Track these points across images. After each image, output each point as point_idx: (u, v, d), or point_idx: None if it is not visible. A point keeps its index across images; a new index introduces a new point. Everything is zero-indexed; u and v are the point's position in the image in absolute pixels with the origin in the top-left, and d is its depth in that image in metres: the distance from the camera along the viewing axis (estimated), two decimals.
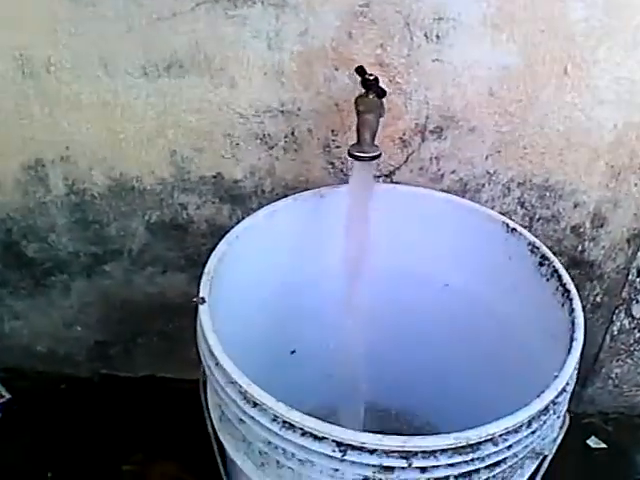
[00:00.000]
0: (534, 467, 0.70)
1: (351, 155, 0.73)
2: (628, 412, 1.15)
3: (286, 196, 0.82)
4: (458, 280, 0.89)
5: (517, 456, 0.62)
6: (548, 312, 0.76)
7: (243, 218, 0.79)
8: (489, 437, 0.58)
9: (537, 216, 0.94)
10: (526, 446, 0.62)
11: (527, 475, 0.70)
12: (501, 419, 0.58)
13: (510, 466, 0.64)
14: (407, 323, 0.93)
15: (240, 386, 0.60)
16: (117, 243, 1.02)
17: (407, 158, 0.90)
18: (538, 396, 0.61)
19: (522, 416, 0.59)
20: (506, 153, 0.88)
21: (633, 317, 1.04)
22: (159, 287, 1.06)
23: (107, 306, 1.09)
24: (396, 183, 0.91)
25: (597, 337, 1.06)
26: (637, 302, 1.02)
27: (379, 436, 0.56)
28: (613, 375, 1.10)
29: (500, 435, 0.58)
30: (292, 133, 0.88)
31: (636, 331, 1.05)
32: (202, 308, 0.68)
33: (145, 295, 1.07)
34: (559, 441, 0.69)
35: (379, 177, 0.90)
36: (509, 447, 0.60)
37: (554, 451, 0.69)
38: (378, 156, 0.73)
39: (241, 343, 0.79)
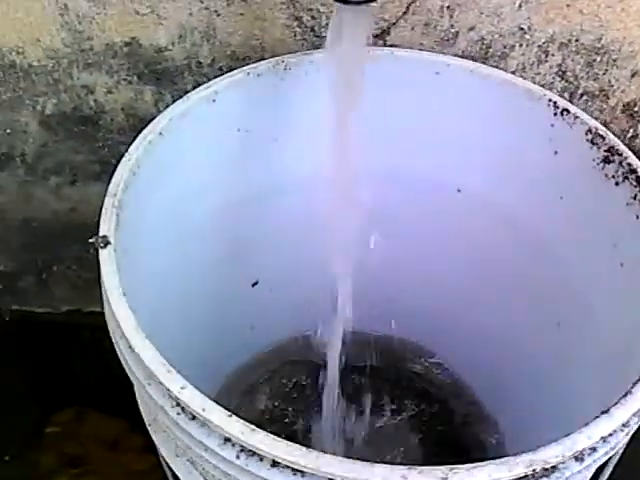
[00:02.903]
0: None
1: None
2: None
3: (233, 69, 0.57)
4: (475, 184, 0.65)
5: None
6: (615, 231, 0.54)
7: (174, 103, 0.54)
8: (575, 454, 0.36)
9: (580, 91, 0.69)
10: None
11: None
12: (592, 423, 0.36)
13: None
14: (407, 241, 0.70)
15: (168, 390, 0.37)
16: (4, 145, 0.75)
17: (407, 8, 0.62)
18: None
19: (630, 408, 0.38)
20: None
21: None
22: (69, 202, 0.81)
23: (5, 228, 0.84)
24: (391, 47, 0.64)
25: None
26: None
27: (402, 470, 0.34)
28: None
29: (590, 447, 0.37)
30: None
31: None
32: (104, 255, 0.43)
33: (52, 213, 0.82)
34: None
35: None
36: (595, 461, 0.38)
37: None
38: None
39: (178, 280, 0.58)
